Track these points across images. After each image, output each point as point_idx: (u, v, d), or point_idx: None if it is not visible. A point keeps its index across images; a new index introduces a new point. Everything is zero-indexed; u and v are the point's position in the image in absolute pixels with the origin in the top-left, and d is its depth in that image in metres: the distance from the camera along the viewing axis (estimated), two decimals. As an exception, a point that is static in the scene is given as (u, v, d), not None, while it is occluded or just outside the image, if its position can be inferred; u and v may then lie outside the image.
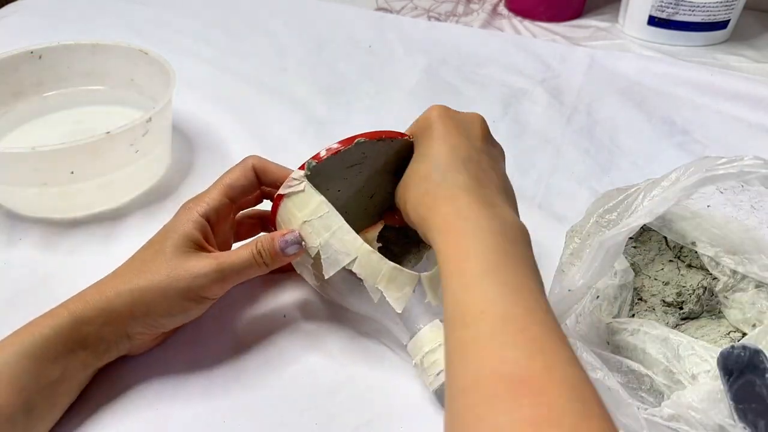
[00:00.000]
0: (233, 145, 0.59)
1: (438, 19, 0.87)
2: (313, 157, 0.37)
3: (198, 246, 0.36)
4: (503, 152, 0.41)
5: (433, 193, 0.34)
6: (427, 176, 0.35)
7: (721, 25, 0.77)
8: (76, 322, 0.33)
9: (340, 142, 0.37)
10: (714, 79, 0.69)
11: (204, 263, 0.35)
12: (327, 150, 0.37)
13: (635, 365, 0.34)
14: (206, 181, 0.54)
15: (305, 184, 0.36)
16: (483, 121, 0.39)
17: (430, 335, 0.35)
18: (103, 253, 0.47)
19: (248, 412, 0.36)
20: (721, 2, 0.74)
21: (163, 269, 0.35)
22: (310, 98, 0.67)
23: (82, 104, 0.58)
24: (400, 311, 0.36)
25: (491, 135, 0.40)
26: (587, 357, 0.33)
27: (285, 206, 0.37)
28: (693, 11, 0.75)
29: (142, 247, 0.37)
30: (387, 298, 0.36)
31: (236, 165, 0.40)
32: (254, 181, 0.40)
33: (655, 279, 0.42)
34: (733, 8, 0.76)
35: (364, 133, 0.37)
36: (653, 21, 0.78)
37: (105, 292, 0.35)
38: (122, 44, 0.57)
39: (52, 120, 0.57)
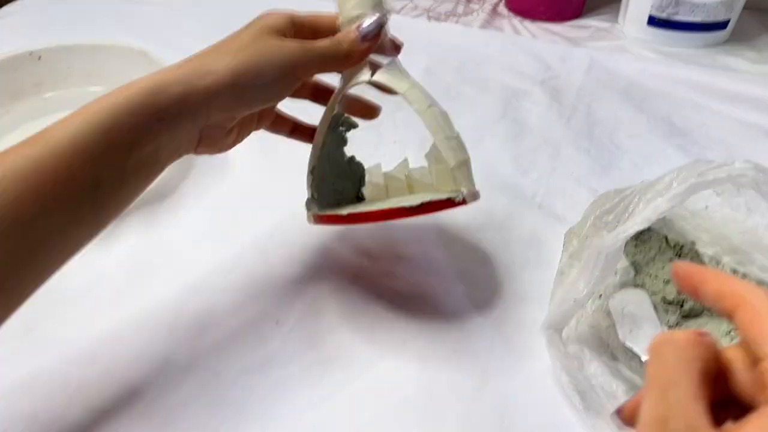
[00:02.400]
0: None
1: (438, 19, 0.87)
2: None
3: (282, 35, 0.36)
4: None
5: None
6: None
7: (721, 25, 0.77)
8: (153, 91, 0.31)
9: None
10: (714, 80, 0.69)
11: (290, 42, 0.35)
12: None
13: (637, 379, 0.34)
14: (206, 181, 0.55)
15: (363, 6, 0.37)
16: None
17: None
18: (103, 253, 0.47)
19: (246, 415, 0.36)
20: (721, 2, 0.74)
21: (254, 45, 0.34)
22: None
23: (82, 105, 0.58)
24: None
25: None
26: (595, 368, 0.33)
27: None
28: (693, 11, 0.75)
29: (229, 36, 0.36)
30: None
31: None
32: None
33: (656, 277, 0.42)
34: (733, 8, 0.76)
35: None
36: (653, 21, 0.78)
37: (190, 64, 0.33)
38: (122, 44, 0.57)
39: (51, 121, 0.56)
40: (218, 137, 0.37)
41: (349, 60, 0.37)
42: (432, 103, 0.38)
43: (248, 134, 0.41)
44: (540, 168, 0.57)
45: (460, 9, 0.90)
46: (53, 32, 0.74)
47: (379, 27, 0.37)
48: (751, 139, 0.61)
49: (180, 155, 0.35)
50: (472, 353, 0.40)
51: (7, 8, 0.86)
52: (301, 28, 0.38)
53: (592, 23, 0.86)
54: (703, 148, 0.60)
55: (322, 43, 0.36)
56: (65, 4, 0.86)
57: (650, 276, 0.43)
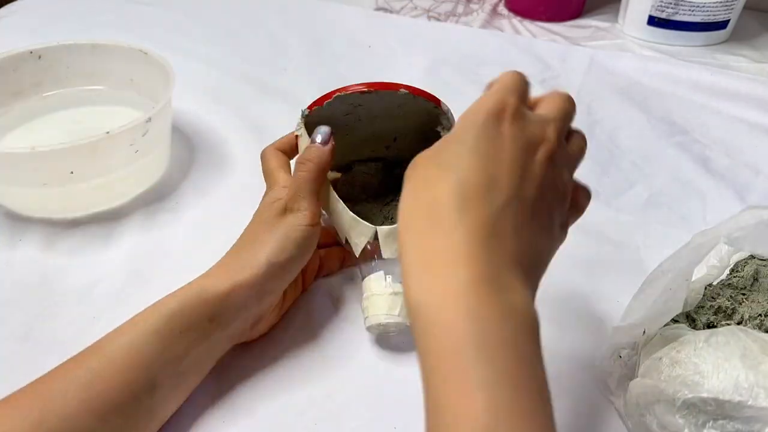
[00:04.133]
0: (233, 145, 0.59)
1: (438, 19, 0.87)
2: (308, 107, 0.43)
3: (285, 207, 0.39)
4: (580, 152, 0.32)
5: (429, 244, 0.24)
6: (433, 208, 0.25)
7: (721, 25, 0.77)
8: (202, 295, 0.34)
9: (325, 95, 0.42)
10: (714, 79, 0.69)
11: (298, 217, 0.38)
12: (315, 100, 0.42)
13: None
14: (206, 181, 0.55)
15: (301, 129, 0.42)
16: (562, 120, 0.29)
17: (370, 284, 0.39)
18: (103, 253, 0.47)
19: (248, 412, 0.36)
20: (721, 2, 0.74)
21: (268, 232, 0.37)
22: (310, 98, 0.66)
23: (82, 104, 0.58)
24: (357, 256, 0.40)
25: (566, 142, 0.30)
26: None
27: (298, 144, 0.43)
28: (693, 11, 0.75)
29: (250, 223, 0.39)
30: (349, 242, 0.40)
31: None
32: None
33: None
34: (732, 8, 0.76)
35: (347, 86, 0.41)
36: (653, 21, 0.78)
37: (226, 264, 0.37)
38: (122, 44, 0.57)
39: (51, 120, 0.57)
40: (269, 317, 0.39)
41: (320, 166, 0.39)
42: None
43: (297, 296, 0.43)
44: (540, 168, 0.57)
45: (460, 9, 0.90)
46: (53, 32, 0.74)
47: (327, 132, 0.40)
48: (751, 138, 0.61)
49: (231, 345, 0.38)
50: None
51: (7, 8, 0.86)
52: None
53: (591, 23, 0.86)
54: (703, 147, 0.60)
55: (296, 177, 0.39)
56: (65, 4, 0.86)
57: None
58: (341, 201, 0.40)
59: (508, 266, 0.24)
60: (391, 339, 0.41)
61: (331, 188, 0.41)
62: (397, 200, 0.46)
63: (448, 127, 0.44)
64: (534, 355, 0.23)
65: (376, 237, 0.40)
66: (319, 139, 0.40)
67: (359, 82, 0.41)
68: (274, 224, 0.37)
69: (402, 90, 0.41)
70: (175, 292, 0.35)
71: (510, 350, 0.22)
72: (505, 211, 0.25)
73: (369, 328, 0.39)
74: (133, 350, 0.31)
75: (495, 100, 0.27)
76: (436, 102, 0.43)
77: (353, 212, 0.40)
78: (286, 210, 0.38)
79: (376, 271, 0.39)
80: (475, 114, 0.27)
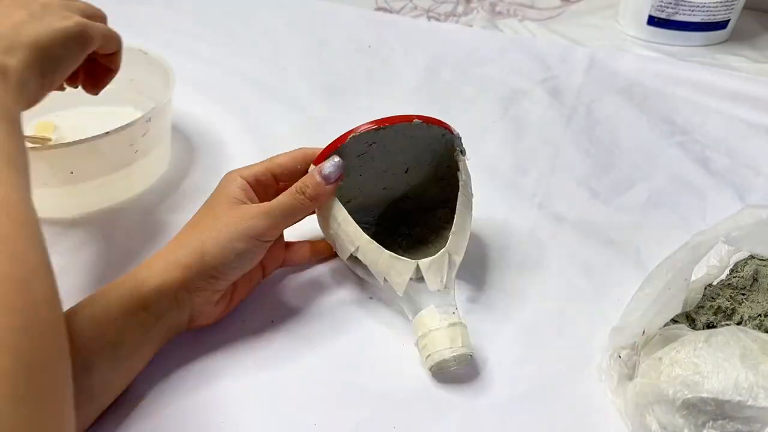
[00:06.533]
0: (233, 145, 0.59)
1: (438, 19, 0.87)
2: (321, 151, 0.41)
3: (242, 203, 0.39)
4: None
5: None
6: None
7: (721, 25, 0.77)
8: (137, 285, 0.35)
9: (338, 138, 0.40)
10: (714, 79, 0.69)
11: (250, 209, 0.38)
12: (326, 147, 0.40)
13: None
14: (206, 181, 0.54)
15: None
16: None
17: (424, 320, 0.37)
18: (103, 253, 0.47)
19: (245, 414, 0.36)
20: (721, 2, 0.74)
21: (214, 222, 0.37)
22: (310, 98, 0.67)
23: (82, 104, 0.58)
24: (401, 295, 0.39)
25: None
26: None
27: None
28: (693, 11, 0.75)
29: (195, 213, 0.40)
30: (389, 283, 0.39)
31: (290, 150, 0.42)
32: (300, 166, 0.41)
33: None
34: (732, 8, 0.76)
35: (359, 126, 0.40)
36: (653, 21, 0.78)
37: (164, 256, 0.37)
38: (122, 44, 0.57)
39: (51, 120, 0.57)
40: (208, 310, 0.39)
41: (315, 203, 0.39)
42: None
43: (253, 288, 0.43)
44: (540, 168, 0.57)
45: (460, 9, 0.90)
46: (53, 32, 0.74)
47: (340, 169, 0.39)
48: (751, 138, 0.61)
49: (172, 335, 0.38)
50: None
51: (7, 8, 0.86)
52: (265, 183, 0.41)
53: (591, 22, 0.86)
54: (703, 147, 0.60)
55: (283, 200, 0.38)
56: (65, 4, 0.86)
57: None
58: (374, 241, 0.39)
59: None
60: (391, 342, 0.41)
61: (360, 230, 0.39)
62: (405, 231, 0.46)
63: (463, 150, 0.43)
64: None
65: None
66: (327, 171, 0.39)
67: (370, 120, 0.40)
68: (222, 214, 0.37)
69: (416, 120, 0.40)
70: (116, 280, 0.36)
71: None
72: None
73: (431, 368, 0.37)
74: (70, 333, 0.32)
75: None
76: (448, 128, 0.42)
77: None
78: (238, 202, 0.38)
79: (424, 305, 0.38)
80: None
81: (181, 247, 0.37)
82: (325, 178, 0.39)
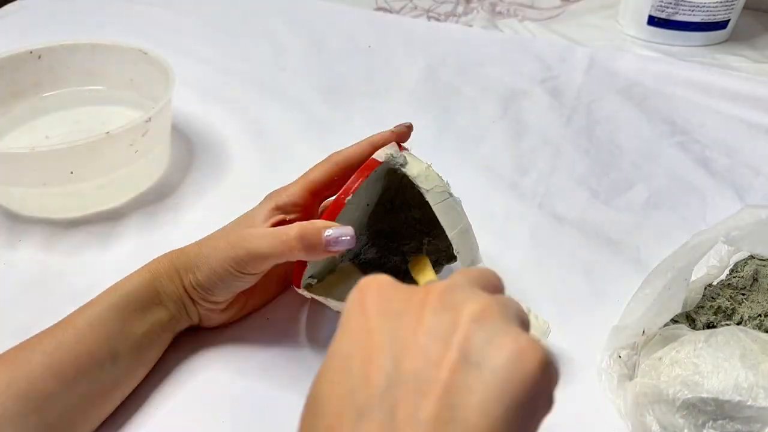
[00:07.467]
0: (233, 145, 0.59)
1: (438, 19, 0.87)
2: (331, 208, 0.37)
3: (254, 226, 0.38)
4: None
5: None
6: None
7: (721, 25, 0.77)
8: (152, 278, 0.37)
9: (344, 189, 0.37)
10: (714, 79, 0.69)
11: (244, 238, 0.35)
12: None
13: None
14: (206, 181, 0.55)
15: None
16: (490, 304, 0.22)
17: None
18: (103, 253, 0.47)
19: (245, 414, 0.36)
20: (721, 2, 0.74)
21: (218, 240, 0.37)
22: (310, 98, 0.67)
23: (82, 104, 0.58)
24: None
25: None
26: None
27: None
28: (693, 11, 0.75)
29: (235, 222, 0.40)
30: None
31: (321, 161, 0.40)
32: (337, 176, 0.39)
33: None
34: (732, 8, 0.76)
35: (353, 185, 0.37)
36: (653, 21, 0.78)
37: (179, 260, 0.37)
38: (122, 44, 0.57)
39: (51, 120, 0.57)
40: (215, 316, 0.39)
41: (308, 257, 0.35)
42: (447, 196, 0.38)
43: (273, 295, 0.43)
44: (540, 168, 0.57)
45: (460, 9, 0.90)
46: (53, 32, 0.74)
47: (349, 245, 0.34)
48: (751, 139, 0.61)
49: (182, 327, 0.39)
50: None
51: (7, 8, 0.86)
52: (303, 205, 0.39)
53: (591, 22, 0.86)
54: (703, 147, 0.60)
55: (274, 243, 0.34)
56: (65, 4, 0.86)
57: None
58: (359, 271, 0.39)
59: None
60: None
61: None
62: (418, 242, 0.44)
63: (402, 164, 0.38)
64: None
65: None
66: (337, 242, 0.34)
67: (357, 172, 0.37)
68: (223, 243, 0.36)
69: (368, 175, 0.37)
70: (133, 273, 0.37)
71: None
72: None
73: None
74: (95, 323, 0.34)
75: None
76: (374, 163, 0.38)
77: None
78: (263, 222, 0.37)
79: None
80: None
81: (184, 254, 0.37)
82: (326, 244, 0.34)
